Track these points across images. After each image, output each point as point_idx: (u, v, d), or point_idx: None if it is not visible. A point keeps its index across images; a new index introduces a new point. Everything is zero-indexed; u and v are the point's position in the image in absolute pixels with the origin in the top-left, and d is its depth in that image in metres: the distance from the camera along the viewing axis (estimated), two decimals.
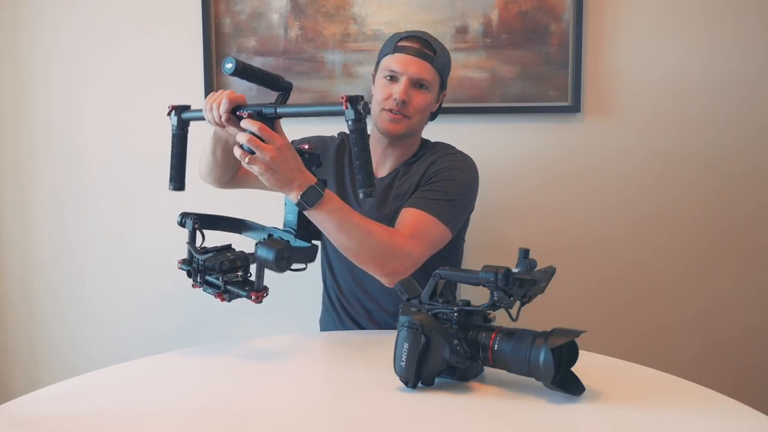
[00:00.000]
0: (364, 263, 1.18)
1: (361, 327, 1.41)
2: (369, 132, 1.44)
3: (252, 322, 1.82)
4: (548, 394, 0.89)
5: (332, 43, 1.72)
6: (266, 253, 0.98)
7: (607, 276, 1.79)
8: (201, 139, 1.31)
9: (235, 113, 1.07)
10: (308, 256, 1.09)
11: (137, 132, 1.79)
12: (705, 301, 1.79)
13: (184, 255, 1.09)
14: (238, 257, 1.05)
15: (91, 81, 1.79)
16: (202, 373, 1.03)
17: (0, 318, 1.87)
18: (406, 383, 0.93)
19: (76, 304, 1.86)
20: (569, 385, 0.88)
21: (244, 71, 1.03)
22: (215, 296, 1.05)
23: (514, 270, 0.89)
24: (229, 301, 1.05)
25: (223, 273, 1.03)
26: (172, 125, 1.13)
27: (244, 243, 1.13)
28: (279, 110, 1.02)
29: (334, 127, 1.51)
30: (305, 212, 1.09)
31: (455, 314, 0.92)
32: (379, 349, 1.09)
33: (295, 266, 1.06)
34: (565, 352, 0.89)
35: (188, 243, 1.08)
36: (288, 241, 1.04)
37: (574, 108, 1.70)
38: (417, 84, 1.31)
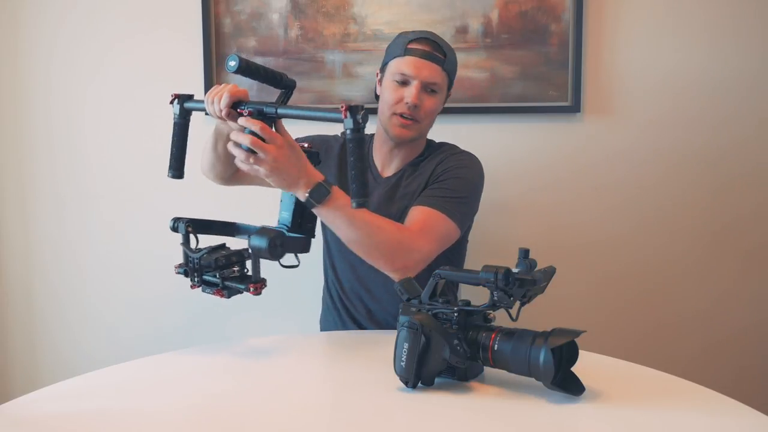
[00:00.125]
0: (374, 259, 1.17)
1: (362, 327, 1.41)
2: (374, 131, 1.45)
3: (252, 322, 1.82)
4: (548, 394, 0.89)
5: (332, 43, 1.72)
6: (259, 242, 0.98)
7: (607, 276, 1.79)
8: (202, 136, 1.31)
9: (236, 109, 1.07)
10: (302, 245, 1.08)
11: (137, 132, 1.79)
12: (705, 300, 1.79)
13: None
14: (233, 253, 1.06)
15: (91, 81, 1.79)
16: (202, 373, 1.03)
17: (0, 318, 1.87)
18: (406, 383, 0.93)
19: (76, 304, 1.86)
20: (569, 385, 0.88)
21: (247, 69, 1.03)
22: (214, 293, 1.05)
23: (514, 270, 0.89)
24: (229, 297, 1.05)
25: (219, 269, 1.03)
26: (174, 114, 1.13)
27: (238, 245, 1.13)
28: (280, 111, 1.02)
29: (336, 127, 1.51)
30: (314, 209, 1.09)
31: (455, 314, 0.92)
32: (379, 349, 1.09)
33: (287, 263, 1.06)
34: (565, 352, 0.89)
35: (182, 244, 1.08)
36: (280, 230, 1.04)
37: (574, 108, 1.70)
38: (427, 87, 1.31)
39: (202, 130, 1.28)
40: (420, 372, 0.92)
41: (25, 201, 1.84)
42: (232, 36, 1.73)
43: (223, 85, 1.09)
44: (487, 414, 0.86)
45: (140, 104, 1.78)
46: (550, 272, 0.91)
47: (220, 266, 1.03)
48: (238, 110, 1.06)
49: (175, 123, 1.14)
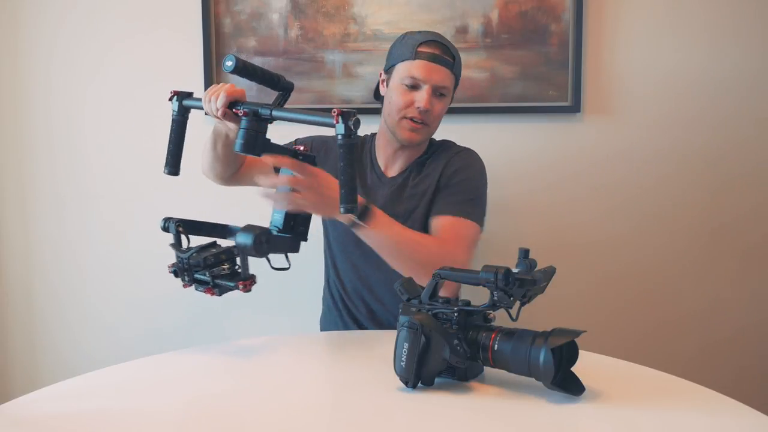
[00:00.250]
0: (417, 274, 1.17)
1: (363, 328, 1.42)
2: (377, 130, 1.45)
3: (252, 322, 1.83)
4: (548, 394, 0.89)
5: (332, 43, 1.72)
6: (244, 239, 0.98)
7: (606, 276, 1.79)
8: (203, 135, 1.31)
9: (232, 108, 1.08)
10: (290, 245, 1.07)
11: (137, 132, 1.79)
12: (705, 300, 1.79)
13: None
14: (222, 251, 1.05)
15: (91, 81, 1.79)
16: (201, 373, 1.03)
17: (0, 318, 1.87)
18: (406, 383, 0.93)
19: (76, 304, 1.86)
20: (569, 385, 0.88)
21: (244, 69, 1.03)
22: (205, 292, 1.05)
23: (514, 270, 0.89)
24: (220, 295, 1.05)
25: (208, 268, 1.03)
26: (173, 111, 1.14)
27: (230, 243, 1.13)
28: (274, 113, 1.02)
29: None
30: (357, 232, 1.12)
31: (455, 314, 0.92)
32: (379, 349, 1.09)
33: (278, 266, 1.05)
34: (565, 352, 0.89)
35: (171, 244, 1.08)
36: (267, 228, 1.03)
37: (574, 108, 1.70)
38: (437, 92, 1.31)
39: (202, 129, 1.28)
40: (420, 372, 0.92)
41: (25, 201, 1.84)
42: (232, 36, 1.74)
43: (221, 84, 1.10)
44: (487, 414, 0.86)
45: (140, 104, 1.78)
46: (550, 272, 0.91)
47: (209, 265, 1.03)
48: (234, 110, 1.07)
49: (173, 120, 1.14)
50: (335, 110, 0.94)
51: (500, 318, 0.94)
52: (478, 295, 1.04)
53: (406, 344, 0.91)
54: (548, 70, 1.70)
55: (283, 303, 1.80)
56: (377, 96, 1.43)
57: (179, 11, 1.74)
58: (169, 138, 1.14)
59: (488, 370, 0.97)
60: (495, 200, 1.71)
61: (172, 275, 1.08)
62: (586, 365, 0.91)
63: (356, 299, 1.41)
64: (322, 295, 1.54)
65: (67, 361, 1.87)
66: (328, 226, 1.44)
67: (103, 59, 1.78)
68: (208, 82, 1.73)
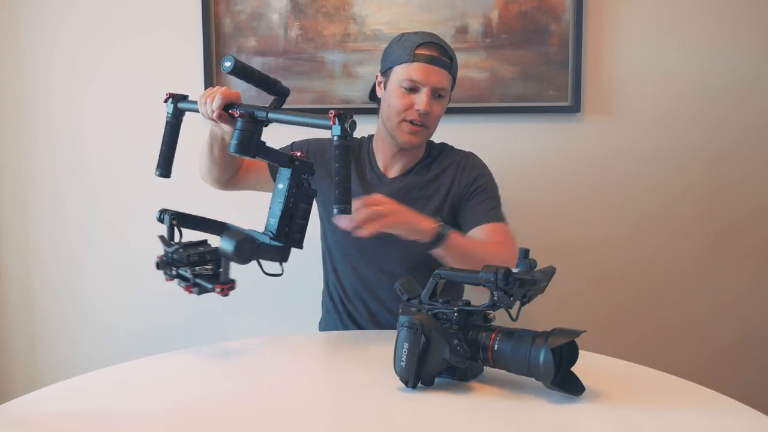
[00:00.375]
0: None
1: (364, 330, 1.41)
2: (375, 132, 1.45)
3: (252, 323, 1.83)
4: (548, 394, 0.89)
5: (332, 43, 1.72)
6: (226, 245, 0.96)
7: (606, 276, 1.79)
8: (201, 136, 1.31)
9: (228, 111, 1.08)
10: (278, 254, 1.06)
11: (137, 132, 1.79)
12: (705, 300, 1.79)
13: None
14: (208, 251, 1.05)
15: (91, 81, 1.79)
16: (201, 373, 1.03)
17: (0, 318, 1.87)
18: (406, 383, 0.93)
19: (76, 304, 1.86)
20: (569, 385, 0.88)
21: (242, 71, 1.04)
22: (184, 288, 1.05)
23: (514, 270, 0.89)
24: (198, 294, 1.04)
25: (191, 266, 1.03)
26: (168, 113, 1.14)
27: None
28: (270, 115, 1.03)
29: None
30: (433, 251, 1.16)
31: (455, 314, 0.92)
32: (379, 349, 1.09)
33: (271, 272, 1.05)
34: (565, 352, 0.89)
35: (160, 236, 1.07)
36: (250, 235, 1.02)
37: (574, 108, 1.70)
38: (436, 93, 1.31)
39: (202, 129, 1.28)
40: (420, 372, 0.92)
41: (25, 201, 1.84)
42: (232, 36, 1.73)
43: (217, 87, 1.11)
44: (487, 414, 0.86)
45: (140, 104, 1.78)
46: (550, 272, 0.91)
47: (191, 263, 1.03)
48: (230, 111, 1.07)
49: (167, 122, 1.14)
50: (332, 111, 0.95)
51: (500, 318, 0.94)
52: (478, 296, 1.04)
53: (406, 344, 0.91)
54: (548, 70, 1.70)
55: (283, 303, 1.80)
56: (373, 97, 1.43)
57: (179, 11, 1.74)
58: (162, 140, 1.14)
59: (488, 370, 0.97)
60: None
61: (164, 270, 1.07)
62: (586, 365, 0.91)
63: (356, 301, 1.41)
64: (321, 299, 1.54)
65: (67, 361, 1.87)
66: (327, 229, 1.44)
67: (103, 59, 1.78)
68: (208, 83, 1.73)
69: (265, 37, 1.73)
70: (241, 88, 1.22)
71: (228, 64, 1.02)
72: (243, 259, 0.98)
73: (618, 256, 1.78)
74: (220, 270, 1.05)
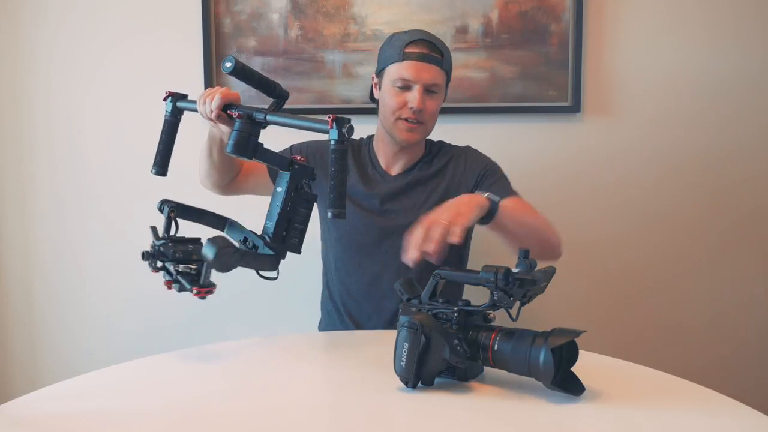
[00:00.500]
0: (548, 247, 1.25)
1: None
2: (374, 132, 1.45)
3: (252, 323, 1.83)
4: (548, 394, 0.89)
5: (332, 43, 1.72)
6: (208, 250, 0.94)
7: (606, 276, 1.79)
8: (201, 136, 1.31)
9: (226, 111, 1.08)
10: (267, 264, 1.03)
11: (137, 132, 1.79)
12: (705, 300, 1.79)
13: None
14: (196, 251, 1.04)
15: (91, 81, 1.79)
16: (201, 373, 1.03)
17: (0, 318, 1.87)
18: (406, 383, 0.93)
19: (76, 304, 1.86)
20: (569, 385, 0.88)
21: (242, 71, 1.04)
22: (165, 283, 1.05)
23: (514, 270, 0.89)
24: (179, 291, 1.04)
25: (174, 262, 1.03)
26: (166, 111, 1.14)
27: None
28: (269, 117, 1.03)
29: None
30: (490, 225, 1.14)
31: (455, 314, 0.92)
32: (379, 349, 1.09)
33: (266, 275, 1.05)
34: (565, 352, 0.89)
35: (151, 227, 1.07)
36: (233, 244, 0.99)
37: (574, 108, 1.70)
38: (429, 90, 1.32)
39: (201, 130, 1.28)
40: (420, 372, 0.92)
41: (25, 201, 1.84)
42: (232, 36, 1.74)
43: (217, 87, 1.12)
44: (487, 414, 0.86)
45: (140, 104, 1.78)
46: (550, 272, 0.91)
47: (176, 259, 1.03)
48: (228, 112, 1.07)
49: (165, 120, 1.15)
50: (330, 115, 0.95)
51: (500, 318, 0.94)
52: (478, 296, 1.04)
53: (406, 344, 0.91)
54: (548, 70, 1.70)
55: (283, 303, 1.80)
56: (373, 98, 1.43)
57: (179, 11, 1.74)
58: (160, 139, 1.14)
59: (488, 370, 0.97)
60: None
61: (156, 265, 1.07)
62: (586, 365, 0.91)
63: (363, 299, 1.41)
64: (321, 300, 1.53)
65: (67, 361, 1.87)
66: (330, 227, 1.44)
67: (103, 59, 1.78)
68: (208, 83, 1.73)
69: (265, 37, 1.73)
70: (240, 89, 1.22)
71: (228, 64, 1.02)
72: (222, 267, 0.96)
73: (618, 256, 1.78)
74: (202, 272, 1.04)
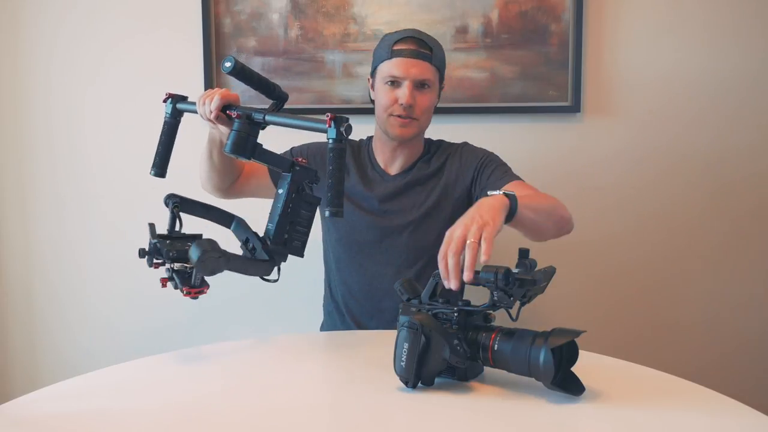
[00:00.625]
0: (561, 220, 1.25)
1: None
2: (373, 133, 1.45)
3: (253, 323, 1.83)
4: (548, 394, 0.89)
5: (332, 43, 1.72)
6: (193, 252, 0.94)
7: (606, 276, 1.79)
8: (201, 136, 1.31)
9: (225, 112, 1.09)
10: (259, 270, 1.02)
11: (137, 132, 1.79)
12: (705, 300, 1.79)
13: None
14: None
15: (91, 81, 1.79)
16: (201, 373, 1.03)
17: (0, 318, 1.87)
18: (406, 383, 0.93)
19: (76, 304, 1.86)
20: (569, 385, 0.88)
21: (242, 72, 1.04)
22: (160, 280, 1.05)
23: (514, 270, 0.89)
24: (175, 288, 1.04)
25: (169, 260, 1.03)
26: (166, 113, 1.14)
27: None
28: (267, 117, 1.03)
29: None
30: (511, 222, 1.07)
31: (455, 314, 0.92)
32: (379, 349, 1.09)
33: (267, 276, 1.04)
34: (565, 352, 0.89)
35: (149, 224, 1.07)
36: (222, 250, 0.98)
37: (574, 108, 1.70)
38: (419, 85, 1.33)
39: (201, 130, 1.28)
40: (420, 372, 0.92)
41: (25, 201, 1.84)
42: (232, 36, 1.73)
43: (216, 88, 1.12)
44: (487, 414, 0.86)
45: (140, 104, 1.78)
46: (550, 272, 0.91)
47: (170, 257, 1.03)
48: (227, 112, 1.08)
49: (165, 122, 1.15)
50: (329, 114, 0.96)
51: (500, 318, 0.94)
52: (478, 296, 1.04)
53: (406, 344, 0.91)
54: (548, 70, 1.70)
55: (284, 303, 1.80)
56: (372, 99, 1.44)
57: (179, 11, 1.74)
58: (159, 140, 1.14)
59: (488, 370, 0.97)
60: None
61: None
62: (586, 365, 0.91)
63: (364, 299, 1.41)
64: (323, 302, 1.54)
65: (67, 361, 1.87)
66: (330, 228, 1.44)
67: (103, 59, 1.78)
68: (208, 83, 1.73)
69: (265, 37, 1.73)
70: (240, 90, 1.22)
71: (228, 64, 1.02)
72: (206, 271, 0.95)
73: (618, 256, 1.78)
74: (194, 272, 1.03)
